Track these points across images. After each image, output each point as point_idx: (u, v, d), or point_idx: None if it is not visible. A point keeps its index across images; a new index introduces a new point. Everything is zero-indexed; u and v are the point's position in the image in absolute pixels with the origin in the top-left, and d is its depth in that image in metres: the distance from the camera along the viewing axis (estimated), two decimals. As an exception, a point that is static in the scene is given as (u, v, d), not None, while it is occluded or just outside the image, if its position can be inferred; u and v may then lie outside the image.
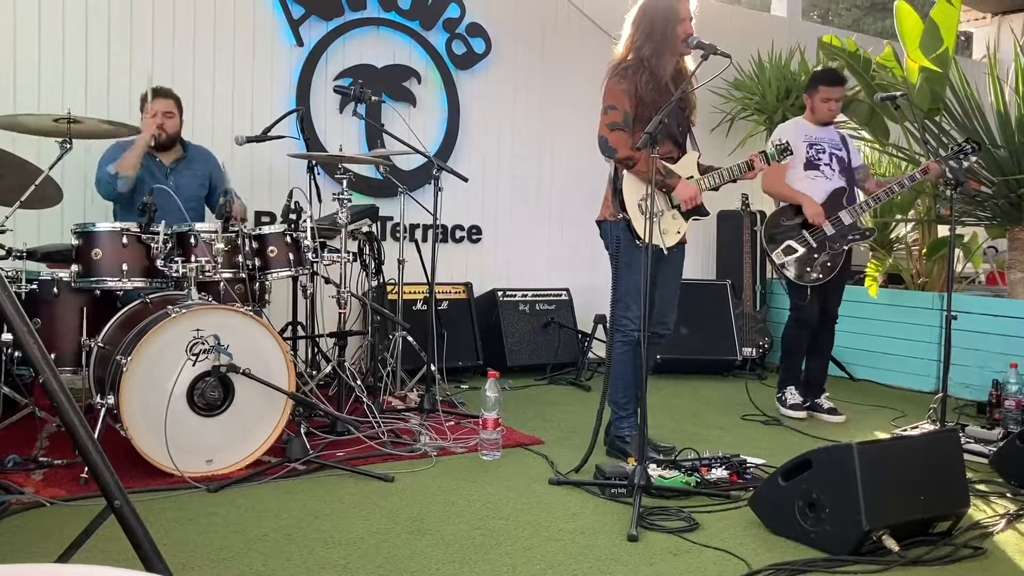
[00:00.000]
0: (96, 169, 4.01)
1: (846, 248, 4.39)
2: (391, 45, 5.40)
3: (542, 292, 5.60)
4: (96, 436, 2.34)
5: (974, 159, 4.23)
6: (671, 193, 3.48)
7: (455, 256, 5.61)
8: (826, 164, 4.44)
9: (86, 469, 2.83)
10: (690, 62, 3.49)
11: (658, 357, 5.09)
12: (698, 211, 3.57)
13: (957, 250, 5.33)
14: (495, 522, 2.73)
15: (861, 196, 4.52)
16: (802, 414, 4.47)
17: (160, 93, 4.06)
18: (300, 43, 5.09)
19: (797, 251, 4.35)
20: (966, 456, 2.98)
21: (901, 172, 5.93)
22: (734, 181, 3.66)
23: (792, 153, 3.85)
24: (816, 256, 4.34)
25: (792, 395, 4.55)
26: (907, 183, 4.39)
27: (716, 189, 3.63)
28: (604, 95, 3.47)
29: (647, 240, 3.02)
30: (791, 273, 4.35)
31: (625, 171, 3.39)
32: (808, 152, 4.42)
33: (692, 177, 3.54)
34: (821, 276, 4.34)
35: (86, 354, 3.29)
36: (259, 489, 2.97)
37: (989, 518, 2.90)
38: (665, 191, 3.48)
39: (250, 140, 4.09)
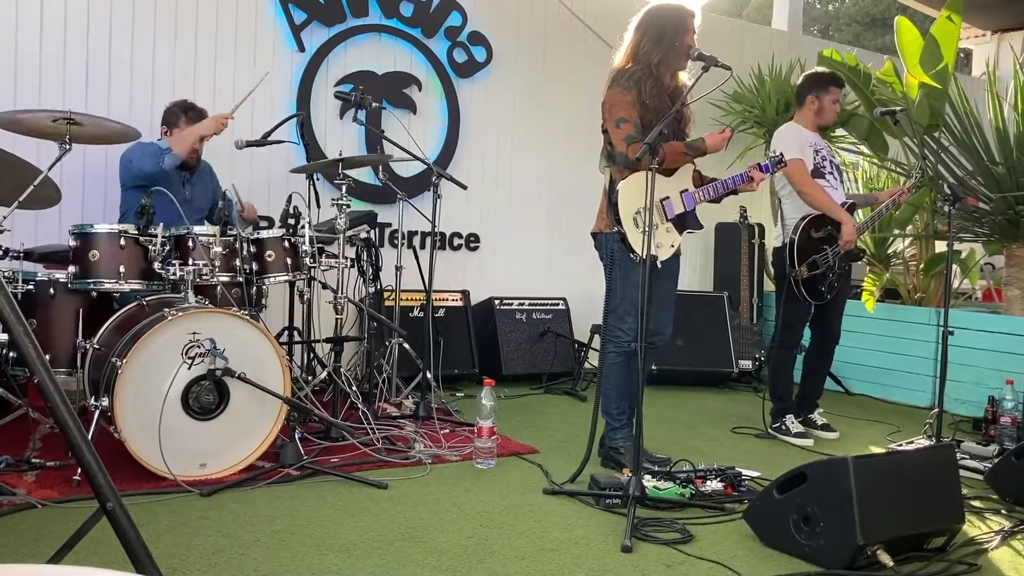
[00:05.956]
0: (123, 161, 3.95)
1: (847, 268, 4.27)
2: (392, 52, 5.41)
3: (539, 301, 5.60)
4: (90, 438, 2.34)
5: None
6: (706, 155, 3.45)
7: (453, 263, 5.61)
8: (830, 173, 4.28)
9: (79, 471, 2.83)
10: (686, 76, 3.48)
11: (653, 368, 5.06)
12: (693, 224, 3.52)
13: (954, 266, 5.34)
14: (488, 531, 2.73)
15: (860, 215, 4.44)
16: (809, 441, 4.17)
17: (198, 112, 4.09)
18: (301, 48, 5.09)
19: (818, 268, 4.14)
20: (961, 472, 2.97)
21: (900, 187, 5.94)
22: (735, 193, 3.57)
23: (785, 164, 3.75)
24: (828, 275, 4.18)
25: (793, 424, 4.25)
26: (884, 212, 4.40)
27: (717, 201, 3.57)
28: (610, 106, 3.38)
29: (643, 254, 3.01)
30: (807, 291, 4.14)
31: (620, 184, 3.33)
32: (815, 159, 4.23)
33: (687, 189, 3.49)
34: (828, 296, 4.19)
35: (81, 355, 3.28)
36: (252, 494, 2.96)
37: (984, 534, 2.90)
38: (701, 155, 3.45)
39: (250, 144, 4.10)
